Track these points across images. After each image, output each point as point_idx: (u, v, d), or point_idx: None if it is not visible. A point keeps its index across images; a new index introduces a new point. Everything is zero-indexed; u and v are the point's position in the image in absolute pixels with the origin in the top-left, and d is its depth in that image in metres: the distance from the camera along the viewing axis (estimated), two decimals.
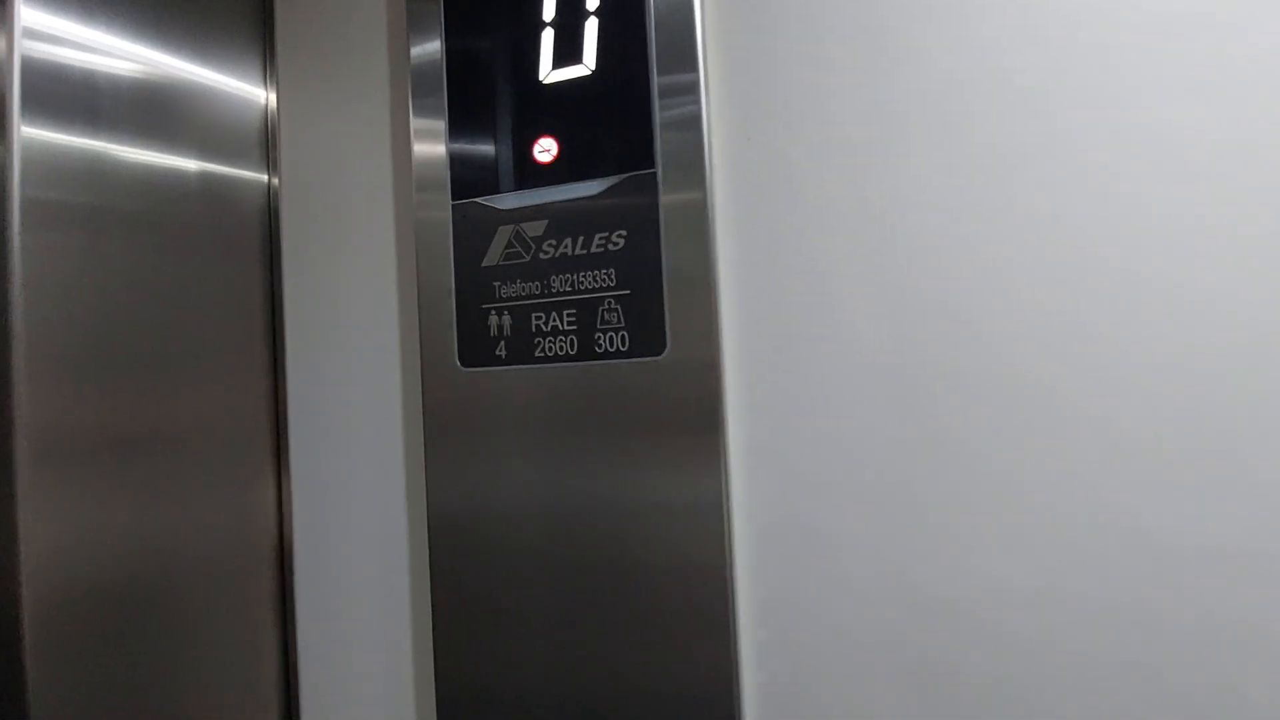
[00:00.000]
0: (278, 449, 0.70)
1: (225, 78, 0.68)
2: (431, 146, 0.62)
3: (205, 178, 0.65)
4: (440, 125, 0.62)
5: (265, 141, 0.71)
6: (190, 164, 0.64)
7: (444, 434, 0.61)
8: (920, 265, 0.50)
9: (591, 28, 0.57)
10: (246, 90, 0.70)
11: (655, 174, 0.55)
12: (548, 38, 0.59)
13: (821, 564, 0.52)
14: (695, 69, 0.54)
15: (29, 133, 0.51)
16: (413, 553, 0.65)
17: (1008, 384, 0.47)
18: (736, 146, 0.55)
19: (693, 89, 0.54)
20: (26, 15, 0.51)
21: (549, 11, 0.59)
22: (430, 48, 0.63)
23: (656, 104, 0.55)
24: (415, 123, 0.63)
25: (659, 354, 0.54)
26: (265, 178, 0.71)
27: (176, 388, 0.62)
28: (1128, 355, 0.45)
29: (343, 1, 0.70)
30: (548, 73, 0.59)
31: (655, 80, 0.55)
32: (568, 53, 0.58)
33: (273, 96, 0.71)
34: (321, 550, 0.69)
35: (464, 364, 0.60)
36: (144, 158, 0.61)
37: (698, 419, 0.53)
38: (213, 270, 0.65)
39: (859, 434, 0.51)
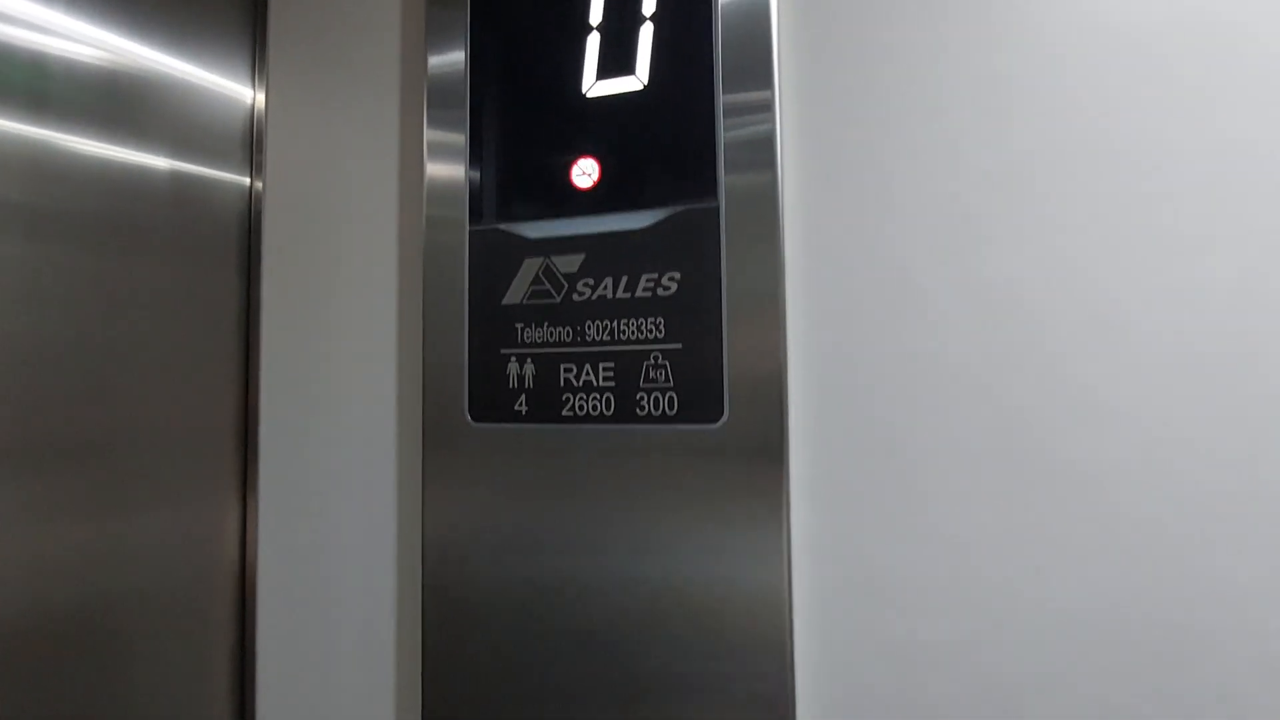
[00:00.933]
0: (244, 472, 0.60)
1: (206, 72, 0.59)
2: (447, 163, 0.53)
3: (176, 178, 0.57)
4: (460, 139, 0.53)
5: (249, 143, 0.62)
6: (160, 162, 0.56)
7: (447, 497, 0.52)
8: (1028, 350, 0.42)
9: (646, 34, 0.49)
10: (230, 87, 0.61)
11: (718, 208, 0.47)
12: (593, 44, 0.50)
13: (897, 676, 0.43)
14: (769, 85, 0.46)
15: None
16: (400, 627, 0.56)
17: (1138, 485, 0.39)
18: (816, 183, 0.47)
19: (766, 108, 0.46)
20: None
21: (595, 14, 0.51)
22: (453, 56, 0.54)
23: (721, 126, 0.47)
24: (429, 135, 0.54)
25: (714, 422, 0.46)
26: (247, 181, 0.62)
27: (125, 396, 0.53)
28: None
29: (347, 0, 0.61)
30: (591, 84, 0.50)
31: (720, 98, 0.47)
32: (617, 62, 0.50)
33: (260, 96, 0.63)
34: (289, 598, 0.59)
35: (475, 418, 0.51)
36: (103, 152, 0.52)
37: (757, 502, 0.45)
38: (179, 275, 0.56)
39: (949, 534, 0.42)
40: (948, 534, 0.43)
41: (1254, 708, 0.37)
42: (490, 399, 0.51)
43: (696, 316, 0.47)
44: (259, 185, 0.62)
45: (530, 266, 0.51)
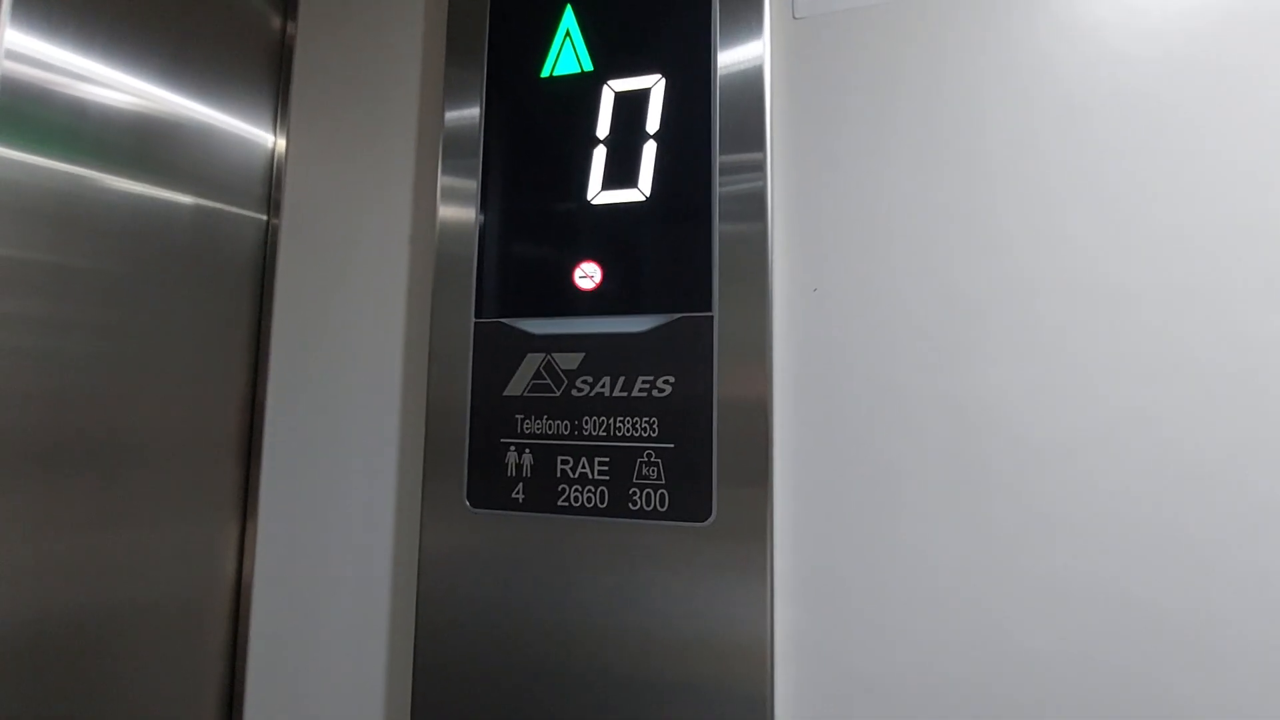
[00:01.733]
0: (244, 502, 0.62)
1: (230, 118, 0.63)
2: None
3: (198, 212, 0.60)
4: (472, 185, 0.56)
5: (268, 183, 0.66)
6: (183, 198, 0.58)
7: (441, 578, 0.54)
8: (1004, 467, 0.45)
9: (650, 151, 0.53)
10: (252, 132, 0.65)
11: (712, 318, 0.50)
12: (599, 156, 0.54)
13: None
14: (764, 216, 0.50)
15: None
16: (390, 672, 0.57)
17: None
18: (802, 297, 0.50)
19: (760, 237, 0.50)
20: (11, 38, 0.46)
21: (603, 128, 0.54)
22: (466, 162, 0.57)
23: (718, 243, 0.50)
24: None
25: (703, 520, 0.48)
26: (264, 218, 0.66)
27: (135, 410, 0.54)
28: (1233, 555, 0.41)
29: (369, 67, 0.64)
30: (596, 192, 0.54)
31: (718, 218, 0.51)
32: (621, 174, 0.53)
33: (281, 141, 0.66)
34: (281, 633, 0.60)
35: (473, 503, 0.53)
36: (130, 187, 0.54)
37: (742, 601, 0.47)
38: (194, 300, 0.59)
39: (929, 641, 0.45)
40: (930, 638, 0.45)
41: None
42: (489, 485, 0.53)
43: (689, 419, 0.50)
44: (276, 222, 0.65)
45: (532, 361, 0.53)
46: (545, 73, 0.56)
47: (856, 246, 0.50)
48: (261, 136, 0.65)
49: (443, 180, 0.58)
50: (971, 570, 0.45)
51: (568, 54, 0.56)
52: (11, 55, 0.47)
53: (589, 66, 0.55)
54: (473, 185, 0.56)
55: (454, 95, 0.58)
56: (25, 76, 0.47)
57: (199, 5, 0.60)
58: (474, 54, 0.58)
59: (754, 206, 0.50)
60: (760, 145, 0.50)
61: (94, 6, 0.51)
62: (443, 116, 0.58)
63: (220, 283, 0.62)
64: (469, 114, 0.58)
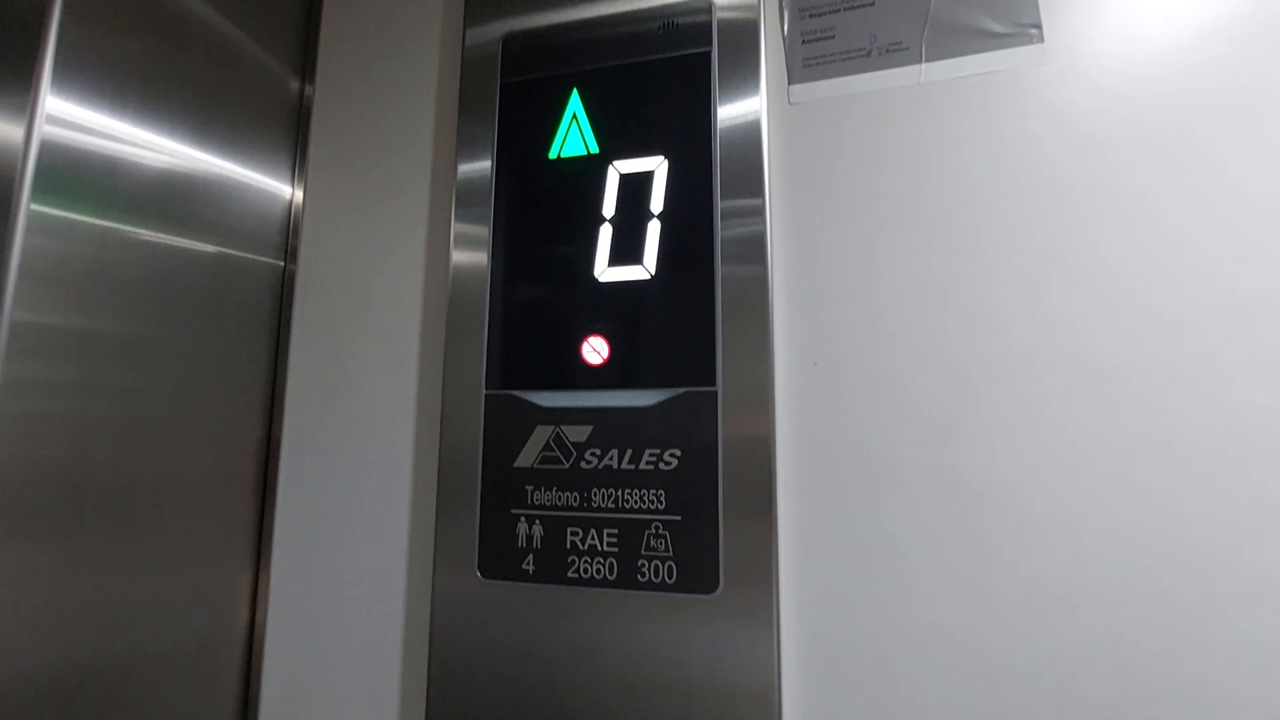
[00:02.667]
0: (259, 548, 0.64)
1: (251, 172, 0.66)
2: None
3: (218, 260, 0.62)
4: (481, 307, 0.58)
5: (286, 231, 0.69)
6: (205, 246, 0.61)
7: (453, 649, 0.55)
8: (1002, 538, 0.47)
9: (654, 231, 0.55)
10: (271, 185, 0.68)
11: (716, 393, 0.52)
12: (605, 234, 0.56)
13: None
14: (765, 293, 0.52)
15: (37, 210, 0.48)
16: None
17: None
18: (803, 372, 0.52)
19: (761, 313, 0.52)
20: (52, 104, 0.48)
21: (608, 208, 0.56)
22: (478, 234, 0.59)
23: (720, 319, 0.52)
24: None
25: (710, 592, 0.49)
26: (281, 264, 0.68)
27: (151, 455, 0.55)
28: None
29: (383, 128, 0.67)
30: (603, 270, 0.56)
31: (720, 295, 0.52)
32: (626, 252, 0.55)
33: (299, 192, 0.69)
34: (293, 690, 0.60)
35: (485, 574, 0.54)
36: (155, 238, 0.56)
37: (748, 674, 0.48)
38: (212, 345, 0.61)
39: (935, 711, 0.46)
40: (937, 708, 0.46)
41: None
42: (500, 556, 0.54)
43: (695, 492, 0.51)
44: (292, 268, 0.68)
45: (542, 433, 0.55)
46: (553, 154, 0.59)
47: (854, 321, 0.52)
48: (280, 188, 0.68)
49: (454, 257, 0.60)
50: (974, 640, 0.46)
51: (574, 136, 0.59)
52: (52, 120, 0.49)
53: (595, 149, 0.58)
54: (483, 260, 0.59)
55: (466, 172, 0.61)
56: (64, 140, 0.49)
57: (223, 70, 0.63)
58: (484, 136, 0.61)
59: (755, 285, 0.52)
60: (760, 224, 0.53)
61: (128, 72, 0.54)
62: (453, 195, 0.61)
63: (238, 329, 0.63)
64: (481, 188, 0.60)
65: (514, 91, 0.61)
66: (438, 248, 0.63)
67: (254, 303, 0.65)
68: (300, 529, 0.63)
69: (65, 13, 0.48)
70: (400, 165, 0.66)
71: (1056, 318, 0.48)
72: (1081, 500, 0.45)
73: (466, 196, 0.60)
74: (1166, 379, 0.45)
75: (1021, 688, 0.45)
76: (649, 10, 0.59)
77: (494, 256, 0.58)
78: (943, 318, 0.50)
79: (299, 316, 0.66)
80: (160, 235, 0.57)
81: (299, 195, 0.69)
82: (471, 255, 0.59)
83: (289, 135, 0.69)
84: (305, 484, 0.64)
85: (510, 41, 0.62)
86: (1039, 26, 0.50)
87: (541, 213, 0.58)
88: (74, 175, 0.50)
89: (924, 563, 0.48)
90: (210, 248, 0.61)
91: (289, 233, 0.69)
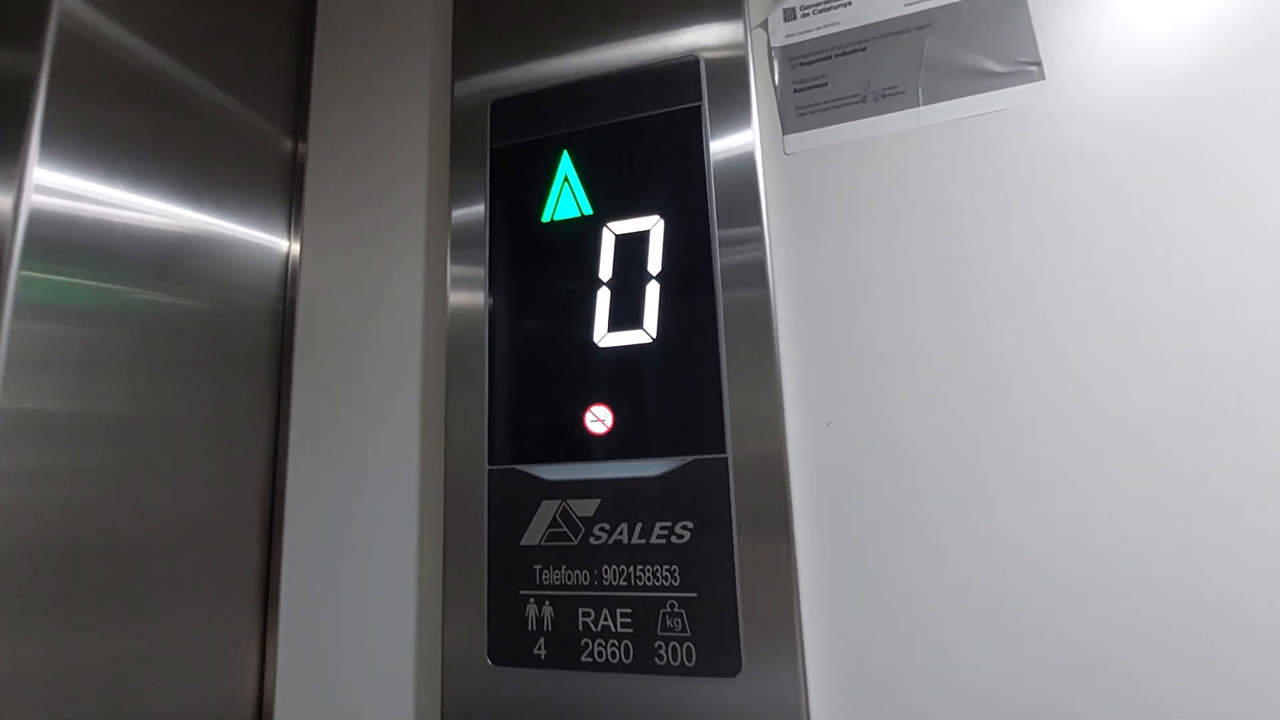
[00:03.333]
0: (264, 619, 0.62)
1: (247, 229, 0.65)
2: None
3: (217, 315, 0.61)
4: (481, 383, 0.56)
5: (284, 282, 0.68)
6: (203, 304, 0.60)
7: None
8: (1028, 600, 0.43)
9: (653, 293, 0.53)
10: (268, 239, 0.67)
11: (726, 460, 0.49)
12: (603, 298, 0.54)
13: None
14: (771, 352, 0.50)
15: (27, 276, 0.47)
16: None
17: None
18: (816, 433, 0.50)
19: (769, 375, 0.50)
20: (40, 175, 0.48)
21: (605, 270, 0.55)
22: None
23: (727, 383, 0.50)
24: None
25: (732, 675, 0.47)
26: (280, 317, 0.68)
27: (149, 529, 0.53)
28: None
29: (375, 185, 0.66)
30: (603, 335, 0.54)
31: (725, 357, 0.50)
32: (625, 316, 0.54)
33: (295, 245, 0.69)
34: None
35: (495, 660, 0.52)
36: (150, 296, 0.55)
37: None
38: (212, 402, 0.60)
39: None
40: None
41: None
42: (509, 641, 0.52)
43: (710, 566, 0.48)
44: (291, 323, 0.67)
45: (548, 509, 0.53)
46: (546, 218, 0.57)
47: (867, 380, 0.49)
48: (276, 242, 0.68)
49: (451, 325, 0.58)
50: (1006, 708, 0.43)
51: (567, 199, 0.57)
52: (41, 189, 0.48)
53: (588, 210, 0.56)
54: (482, 330, 0.57)
55: (460, 218, 0.59)
56: (54, 207, 0.48)
57: (217, 135, 0.62)
58: (475, 202, 0.60)
59: (761, 346, 0.50)
60: (763, 281, 0.51)
61: (119, 141, 0.53)
62: (447, 269, 0.59)
63: (237, 392, 0.62)
64: (476, 267, 0.59)
65: (504, 156, 0.60)
66: (435, 310, 0.62)
67: (253, 360, 0.64)
68: (307, 610, 0.61)
69: (53, 85, 0.48)
70: (394, 213, 0.65)
71: (1075, 369, 0.45)
72: (1108, 557, 0.42)
73: (461, 252, 0.59)
74: (1196, 432, 0.42)
75: None
76: (637, 68, 0.58)
77: (492, 326, 0.57)
78: (956, 373, 0.47)
79: (299, 371, 0.65)
80: (156, 295, 0.56)
81: (295, 248, 0.69)
82: (470, 322, 0.58)
83: (283, 191, 0.69)
84: (310, 564, 0.62)
85: (498, 108, 0.61)
86: (1039, 63, 0.48)
87: (537, 278, 0.57)
88: (65, 241, 0.49)
89: (952, 628, 0.45)
90: (207, 304, 0.60)
91: (287, 284, 0.68)
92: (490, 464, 0.55)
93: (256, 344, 0.65)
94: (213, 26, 0.62)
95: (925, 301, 0.49)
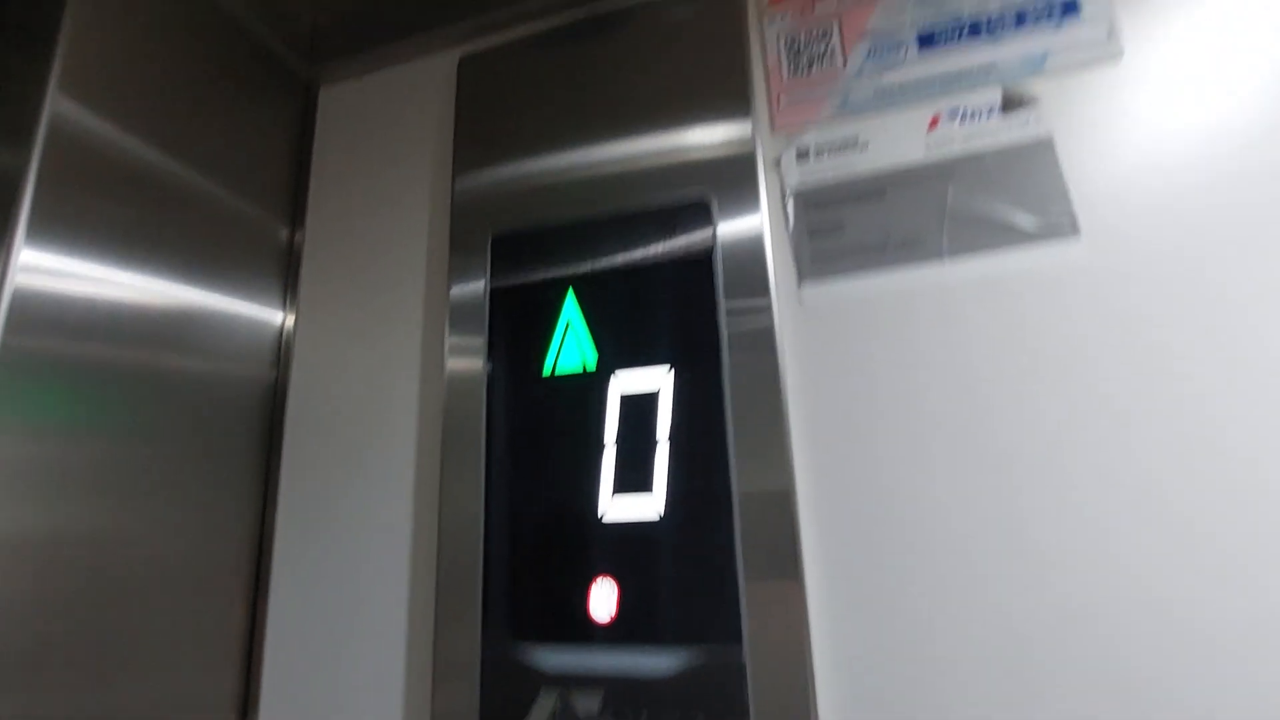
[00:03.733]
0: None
1: (242, 301, 0.64)
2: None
3: (209, 384, 0.60)
4: (476, 548, 0.52)
5: (278, 353, 0.67)
6: (194, 369, 0.59)
7: None
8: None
9: (662, 459, 0.49)
10: (263, 312, 0.66)
11: (742, 654, 0.44)
12: (608, 463, 0.50)
13: None
14: (793, 533, 0.45)
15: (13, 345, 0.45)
16: None
17: None
18: (841, 625, 0.44)
19: (789, 553, 0.45)
20: (26, 256, 0.47)
21: (610, 432, 0.51)
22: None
23: (742, 568, 0.45)
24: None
25: None
26: (273, 379, 0.66)
27: (124, 616, 0.50)
28: None
29: (372, 274, 0.65)
30: (608, 504, 0.50)
31: (740, 537, 0.46)
32: (632, 483, 0.49)
33: (290, 318, 0.68)
34: None
35: None
36: (138, 368, 0.54)
37: None
38: (200, 464, 0.58)
39: None
40: None
41: None
42: None
43: None
44: (284, 386, 0.65)
45: (546, 702, 0.47)
46: (547, 371, 0.54)
47: (897, 562, 0.44)
48: (271, 315, 0.67)
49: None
50: None
51: (571, 348, 0.54)
52: (26, 269, 0.47)
53: (592, 366, 0.53)
54: (478, 490, 0.53)
55: (455, 389, 0.56)
56: (40, 285, 0.47)
57: (209, 222, 0.61)
58: (473, 356, 0.56)
59: (780, 525, 0.45)
60: (781, 447, 0.46)
61: (110, 230, 0.52)
62: (444, 401, 0.56)
63: (222, 474, 0.60)
64: (472, 405, 0.55)
65: (504, 297, 0.57)
66: (430, 396, 0.58)
67: (243, 432, 0.62)
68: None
69: (41, 177, 0.48)
70: (390, 302, 0.63)
71: (1114, 554, 0.40)
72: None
73: (456, 416, 0.55)
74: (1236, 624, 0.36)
75: None
76: (646, 210, 0.55)
77: (489, 490, 0.53)
78: (990, 553, 0.42)
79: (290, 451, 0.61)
80: (147, 361, 0.54)
81: (290, 320, 0.67)
82: (465, 511, 0.53)
83: (279, 273, 0.68)
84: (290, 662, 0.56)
85: (499, 243, 0.59)
86: (1072, 215, 0.44)
87: (537, 440, 0.53)
88: (50, 319, 0.48)
89: None
90: (200, 372, 0.58)
91: (280, 355, 0.66)
92: (484, 647, 0.50)
93: (247, 415, 0.62)
94: (210, 124, 0.62)
95: (962, 474, 0.44)
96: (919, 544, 0.44)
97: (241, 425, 0.62)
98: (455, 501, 0.53)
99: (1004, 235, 0.45)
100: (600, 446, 0.51)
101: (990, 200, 0.46)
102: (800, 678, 0.43)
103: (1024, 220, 0.45)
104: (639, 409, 0.51)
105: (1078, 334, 0.43)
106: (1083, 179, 0.45)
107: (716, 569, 0.46)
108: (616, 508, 0.49)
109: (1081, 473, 0.42)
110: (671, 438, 0.49)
